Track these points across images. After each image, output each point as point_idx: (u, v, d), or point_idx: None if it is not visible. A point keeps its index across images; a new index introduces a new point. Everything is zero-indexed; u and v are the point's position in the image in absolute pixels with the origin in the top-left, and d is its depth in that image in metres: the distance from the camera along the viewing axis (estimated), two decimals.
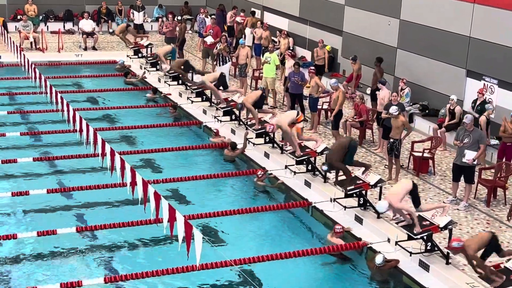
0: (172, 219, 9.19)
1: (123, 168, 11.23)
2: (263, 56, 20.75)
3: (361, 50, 20.21)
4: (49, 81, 17.06)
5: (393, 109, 14.31)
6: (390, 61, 19.17)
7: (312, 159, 14.33)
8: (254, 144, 16.11)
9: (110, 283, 10.49)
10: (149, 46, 23.85)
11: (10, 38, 21.06)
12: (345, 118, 17.20)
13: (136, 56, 23.82)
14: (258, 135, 16.09)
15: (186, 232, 8.84)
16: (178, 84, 20.89)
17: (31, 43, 24.94)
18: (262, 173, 14.29)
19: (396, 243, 11.29)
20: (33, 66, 18.02)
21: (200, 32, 25.82)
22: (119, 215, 12.58)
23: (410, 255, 11.09)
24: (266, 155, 15.70)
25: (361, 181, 12.71)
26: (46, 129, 17.09)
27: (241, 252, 11.36)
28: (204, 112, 18.74)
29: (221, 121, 17.53)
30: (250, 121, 16.73)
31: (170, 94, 20.28)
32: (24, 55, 19.51)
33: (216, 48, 21.16)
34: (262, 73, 20.08)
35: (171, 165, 15.31)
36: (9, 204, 13.14)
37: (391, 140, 14.27)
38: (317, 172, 14.24)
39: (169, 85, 20.95)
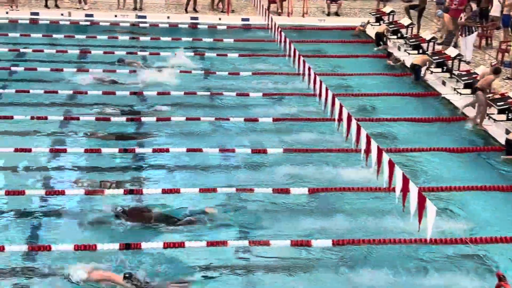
0: (405, 189, 9.13)
1: (358, 134, 11.36)
2: (511, 28, 19.50)
3: None
4: (293, 44, 17.62)
5: None
6: None
7: None
8: (495, 120, 15.36)
9: (298, 247, 10.65)
10: (392, 13, 23.57)
11: (260, 1, 22.01)
12: None
13: (378, 24, 23.69)
14: (500, 111, 15.30)
15: (419, 204, 8.73)
16: (418, 53, 20.47)
17: (276, 6, 25.90)
18: None
19: None
20: (279, 29, 18.68)
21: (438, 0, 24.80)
22: (345, 180, 12.75)
23: None
24: (508, 132, 14.88)
25: None
26: (289, 91, 17.66)
27: (476, 230, 11.10)
28: (443, 83, 18.19)
29: (460, 93, 16.91)
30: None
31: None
32: (271, 18, 20.31)
33: (461, 18, 20.28)
34: (510, 45, 18.92)
35: (406, 135, 15.15)
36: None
37: None
38: None
39: (409, 53, 20.63)
